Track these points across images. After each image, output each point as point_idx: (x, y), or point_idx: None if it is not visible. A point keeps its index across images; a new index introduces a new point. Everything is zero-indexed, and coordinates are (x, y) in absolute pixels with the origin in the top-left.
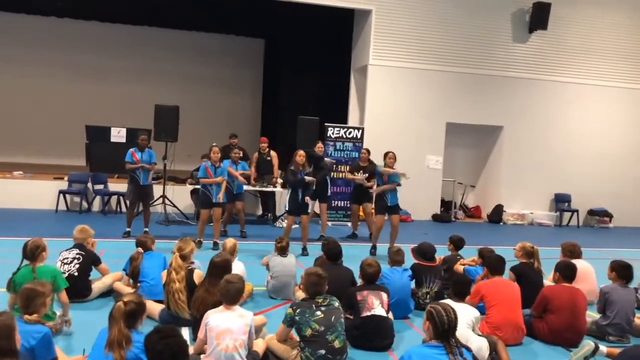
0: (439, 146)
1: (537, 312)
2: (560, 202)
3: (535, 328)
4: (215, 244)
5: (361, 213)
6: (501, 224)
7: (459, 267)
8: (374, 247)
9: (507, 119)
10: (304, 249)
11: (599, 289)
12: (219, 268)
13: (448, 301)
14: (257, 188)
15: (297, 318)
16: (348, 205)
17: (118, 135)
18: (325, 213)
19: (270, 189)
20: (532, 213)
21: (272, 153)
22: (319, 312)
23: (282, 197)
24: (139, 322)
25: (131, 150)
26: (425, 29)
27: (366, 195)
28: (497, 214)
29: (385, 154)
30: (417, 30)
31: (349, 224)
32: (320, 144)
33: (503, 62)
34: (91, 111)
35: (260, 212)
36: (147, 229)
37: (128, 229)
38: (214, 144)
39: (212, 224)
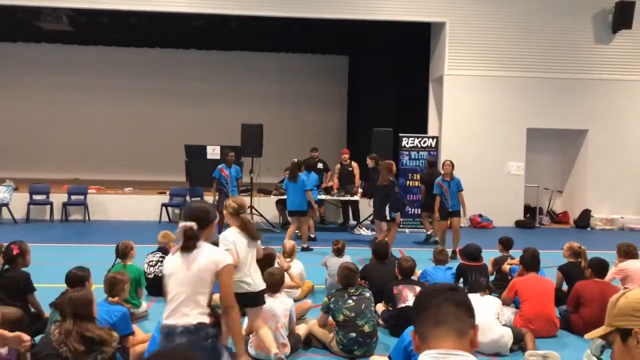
0: (520, 152)
1: (571, 306)
2: None
3: (571, 322)
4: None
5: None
6: (588, 229)
7: (505, 267)
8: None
9: (591, 122)
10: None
11: None
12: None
13: (473, 295)
14: (336, 197)
15: (331, 305)
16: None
17: (213, 152)
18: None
19: (347, 198)
20: (622, 217)
21: (354, 164)
22: (350, 301)
23: (364, 205)
24: None
25: (220, 166)
26: (500, 36)
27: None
28: (584, 219)
29: (443, 163)
30: (492, 38)
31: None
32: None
33: (585, 64)
34: (188, 132)
35: (341, 220)
36: None
37: (219, 235)
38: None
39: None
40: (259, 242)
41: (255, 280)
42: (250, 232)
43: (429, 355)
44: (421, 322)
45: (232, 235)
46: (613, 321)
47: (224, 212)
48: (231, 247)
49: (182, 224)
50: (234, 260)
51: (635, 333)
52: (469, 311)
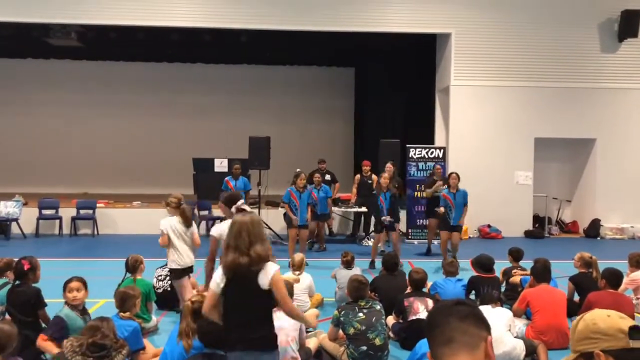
0: (528, 162)
1: None
2: None
3: None
4: None
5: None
6: (598, 238)
7: (515, 278)
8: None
9: (599, 131)
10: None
11: None
12: None
13: (485, 307)
14: (344, 209)
15: (342, 318)
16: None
17: (221, 165)
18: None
19: (356, 209)
20: (632, 227)
21: (374, 177)
22: (361, 314)
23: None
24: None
25: (226, 179)
26: (506, 46)
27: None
28: (593, 228)
29: (449, 175)
30: (498, 48)
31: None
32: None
33: (592, 73)
34: (196, 145)
35: (349, 232)
36: None
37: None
38: (299, 170)
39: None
40: (193, 227)
41: (185, 259)
42: (186, 219)
43: None
44: (432, 342)
45: (170, 222)
46: (576, 347)
47: (168, 208)
48: (164, 232)
49: (240, 202)
50: (163, 242)
51: (596, 355)
52: (477, 323)
